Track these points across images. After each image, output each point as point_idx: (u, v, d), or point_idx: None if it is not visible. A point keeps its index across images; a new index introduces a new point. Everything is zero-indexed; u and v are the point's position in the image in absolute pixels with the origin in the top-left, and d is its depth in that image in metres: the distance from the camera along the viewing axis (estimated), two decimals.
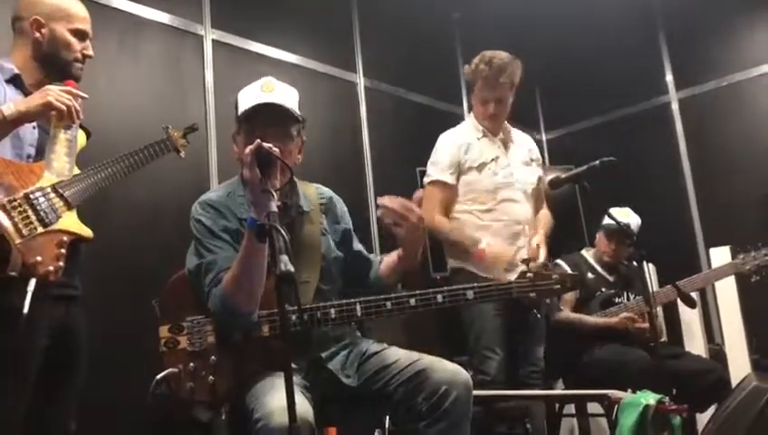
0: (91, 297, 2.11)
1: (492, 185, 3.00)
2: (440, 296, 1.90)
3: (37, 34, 2.01)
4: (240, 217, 1.90)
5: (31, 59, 2.02)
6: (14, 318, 1.70)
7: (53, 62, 2.04)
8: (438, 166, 3.04)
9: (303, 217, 2.00)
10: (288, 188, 1.93)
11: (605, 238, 3.58)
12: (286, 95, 1.95)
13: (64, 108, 1.87)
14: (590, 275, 3.46)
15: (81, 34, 2.08)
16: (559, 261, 3.46)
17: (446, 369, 1.82)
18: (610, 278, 3.54)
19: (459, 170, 3.02)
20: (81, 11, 2.10)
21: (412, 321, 3.10)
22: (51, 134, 1.94)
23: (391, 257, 2.05)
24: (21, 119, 1.83)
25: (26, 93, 1.96)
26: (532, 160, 3.15)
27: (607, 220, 3.51)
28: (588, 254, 3.63)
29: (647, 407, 2.33)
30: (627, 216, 3.47)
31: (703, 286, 3.41)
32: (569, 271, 3.17)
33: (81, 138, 2.08)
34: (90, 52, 2.11)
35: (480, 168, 3.02)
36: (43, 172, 1.90)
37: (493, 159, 3.04)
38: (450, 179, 3.00)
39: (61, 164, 1.94)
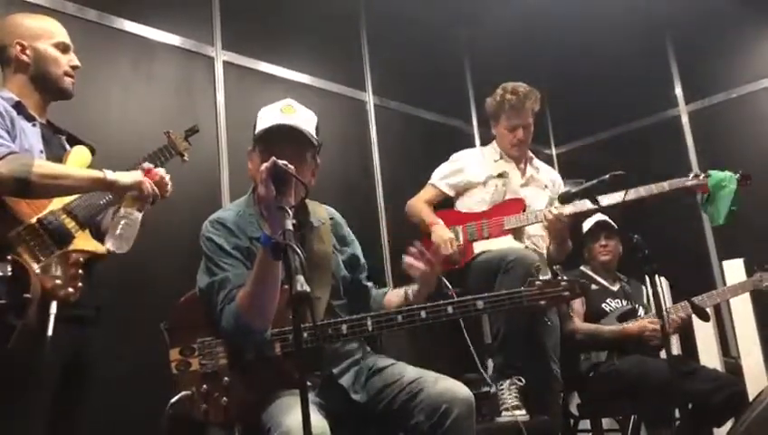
0: (103, 315, 2.12)
1: (495, 196, 3.08)
2: (450, 308, 1.91)
3: (23, 57, 2.04)
4: (251, 236, 1.91)
5: (27, 83, 2.05)
6: (35, 340, 1.72)
7: (45, 80, 2.07)
8: (439, 174, 3.33)
9: (314, 234, 2.01)
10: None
11: (592, 241, 3.61)
12: (305, 119, 1.97)
13: (149, 197, 1.98)
14: (593, 287, 3.46)
15: (63, 47, 2.11)
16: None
17: (447, 386, 1.82)
18: (614, 289, 3.54)
19: (456, 187, 3.24)
20: (58, 25, 2.15)
21: (425, 337, 3.10)
22: (122, 212, 1.97)
23: (398, 294, 2.06)
24: (114, 186, 1.93)
25: (29, 119, 2.00)
26: (546, 188, 3.18)
27: (585, 229, 3.62)
28: (587, 268, 3.63)
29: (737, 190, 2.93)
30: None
31: (719, 302, 3.41)
32: None
33: (86, 155, 2.11)
34: (76, 62, 2.13)
35: (486, 181, 3.15)
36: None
37: (500, 175, 3.09)
38: (443, 187, 3.27)
39: (128, 242, 1.98)
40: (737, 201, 2.93)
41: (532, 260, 2.76)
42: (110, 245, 1.95)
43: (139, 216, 1.99)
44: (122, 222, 1.94)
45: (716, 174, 2.96)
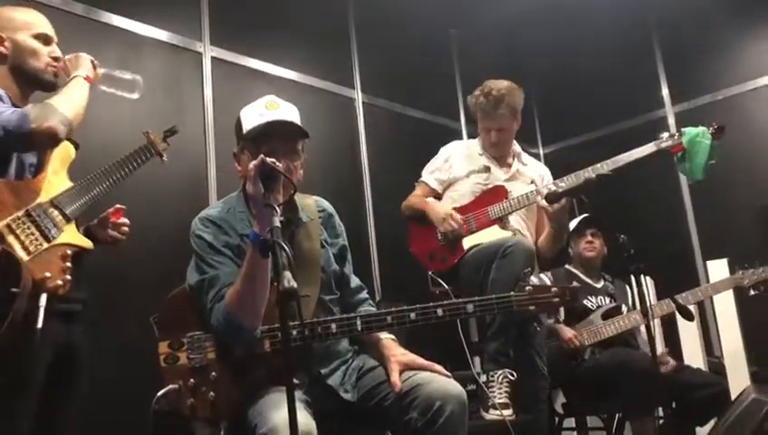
0: (89, 311, 2.10)
1: (476, 190, 3.09)
2: (440, 310, 1.90)
3: (1, 48, 2.01)
4: (241, 233, 1.90)
5: (7, 74, 2.02)
6: (25, 333, 1.70)
7: (24, 71, 2.03)
8: (427, 169, 3.31)
9: (302, 229, 2.00)
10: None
11: (577, 239, 3.64)
12: (291, 112, 1.97)
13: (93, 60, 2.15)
14: (575, 283, 3.48)
15: (44, 39, 2.07)
16: (543, 275, 3.47)
17: (440, 383, 1.81)
18: (597, 286, 3.57)
19: (444, 182, 3.23)
20: (39, 16, 2.11)
21: (417, 335, 3.10)
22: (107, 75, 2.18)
23: (392, 353, 1.93)
24: (89, 80, 2.08)
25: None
26: (532, 183, 3.18)
27: (570, 228, 3.59)
28: (571, 266, 3.67)
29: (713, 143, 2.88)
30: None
31: (702, 300, 3.44)
32: (548, 283, 3.23)
33: (70, 150, 2.09)
34: (57, 53, 2.10)
35: (469, 175, 3.15)
36: (42, 187, 1.92)
37: (484, 168, 3.13)
38: (432, 183, 3.25)
39: (123, 83, 2.21)
40: (714, 154, 2.90)
41: (529, 246, 2.77)
42: (134, 96, 2.20)
43: (100, 69, 2.18)
44: (107, 87, 2.19)
45: (690, 130, 2.93)
